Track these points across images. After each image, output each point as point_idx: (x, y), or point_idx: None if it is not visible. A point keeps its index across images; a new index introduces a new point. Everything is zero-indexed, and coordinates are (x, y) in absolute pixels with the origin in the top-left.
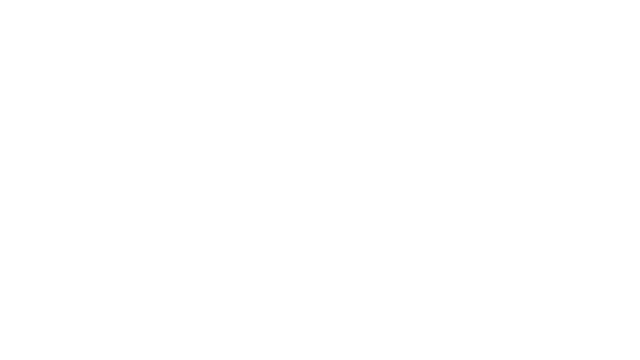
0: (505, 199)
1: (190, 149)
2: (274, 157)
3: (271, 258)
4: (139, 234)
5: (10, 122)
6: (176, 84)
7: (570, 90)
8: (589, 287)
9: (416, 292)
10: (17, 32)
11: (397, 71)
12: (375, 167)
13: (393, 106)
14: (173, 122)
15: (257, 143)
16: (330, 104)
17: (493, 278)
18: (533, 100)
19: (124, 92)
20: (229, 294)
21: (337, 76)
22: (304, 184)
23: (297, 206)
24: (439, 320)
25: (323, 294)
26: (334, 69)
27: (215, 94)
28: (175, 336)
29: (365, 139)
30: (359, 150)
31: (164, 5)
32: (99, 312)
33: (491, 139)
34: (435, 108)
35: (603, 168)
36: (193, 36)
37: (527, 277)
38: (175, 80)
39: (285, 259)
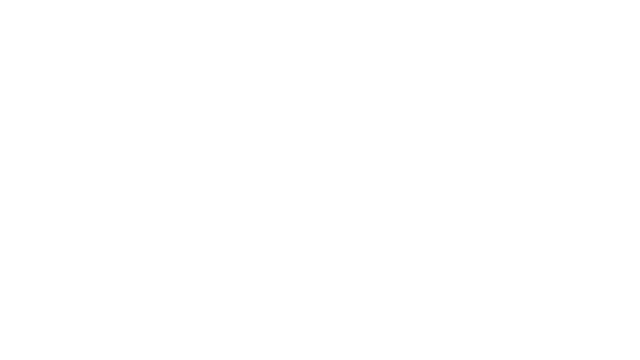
0: (505, 198)
1: (190, 149)
2: (274, 157)
3: (271, 258)
4: (139, 233)
5: (10, 122)
6: (176, 84)
7: (570, 90)
8: (589, 287)
9: (416, 292)
10: (17, 32)
11: (397, 71)
12: (375, 167)
13: (393, 106)
14: (173, 122)
15: (257, 143)
16: (331, 104)
17: (493, 278)
18: (533, 100)
19: (124, 92)
20: (228, 294)
21: (337, 76)
22: (304, 183)
23: (297, 206)
24: (438, 320)
25: (323, 294)
26: (334, 69)
27: (215, 94)
28: (175, 336)
29: (365, 139)
30: (359, 150)
31: (164, 5)
32: (98, 312)
33: (491, 139)
34: (435, 108)
35: (603, 168)
36: (193, 36)
37: (527, 277)
38: (175, 80)
39: (285, 258)
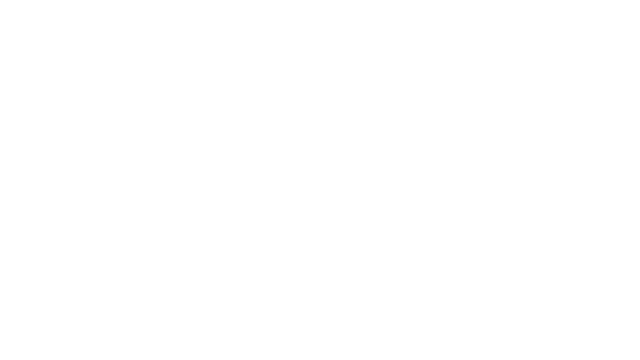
0: (505, 198)
1: (190, 149)
2: (274, 157)
3: (271, 258)
4: (139, 233)
5: (10, 122)
6: (176, 84)
7: (570, 90)
8: (589, 286)
9: (415, 292)
10: (17, 32)
11: (397, 71)
12: (375, 167)
13: (393, 106)
14: (173, 122)
15: (257, 143)
16: (331, 104)
17: (493, 278)
18: (533, 100)
19: (124, 92)
20: (229, 294)
21: (337, 76)
22: (303, 183)
23: (297, 206)
24: (438, 320)
25: (323, 294)
26: (334, 69)
27: (216, 94)
28: (175, 336)
29: (365, 139)
30: (359, 150)
31: (164, 5)
32: (98, 312)
33: (491, 139)
34: (435, 108)
35: (603, 168)
36: (193, 36)
37: (527, 277)
38: (175, 80)
39: (285, 258)
